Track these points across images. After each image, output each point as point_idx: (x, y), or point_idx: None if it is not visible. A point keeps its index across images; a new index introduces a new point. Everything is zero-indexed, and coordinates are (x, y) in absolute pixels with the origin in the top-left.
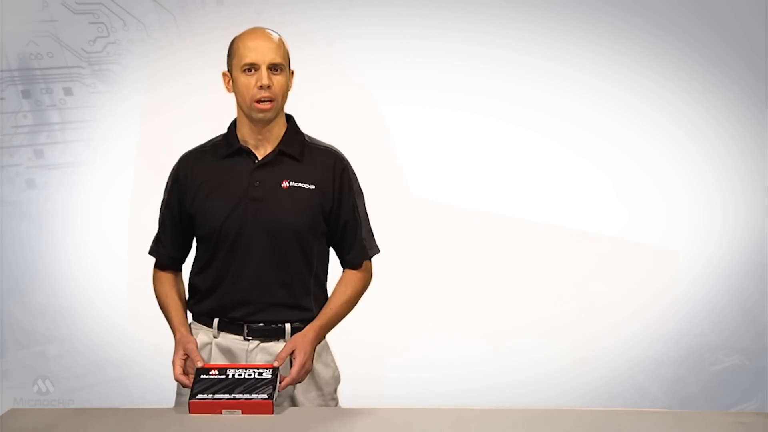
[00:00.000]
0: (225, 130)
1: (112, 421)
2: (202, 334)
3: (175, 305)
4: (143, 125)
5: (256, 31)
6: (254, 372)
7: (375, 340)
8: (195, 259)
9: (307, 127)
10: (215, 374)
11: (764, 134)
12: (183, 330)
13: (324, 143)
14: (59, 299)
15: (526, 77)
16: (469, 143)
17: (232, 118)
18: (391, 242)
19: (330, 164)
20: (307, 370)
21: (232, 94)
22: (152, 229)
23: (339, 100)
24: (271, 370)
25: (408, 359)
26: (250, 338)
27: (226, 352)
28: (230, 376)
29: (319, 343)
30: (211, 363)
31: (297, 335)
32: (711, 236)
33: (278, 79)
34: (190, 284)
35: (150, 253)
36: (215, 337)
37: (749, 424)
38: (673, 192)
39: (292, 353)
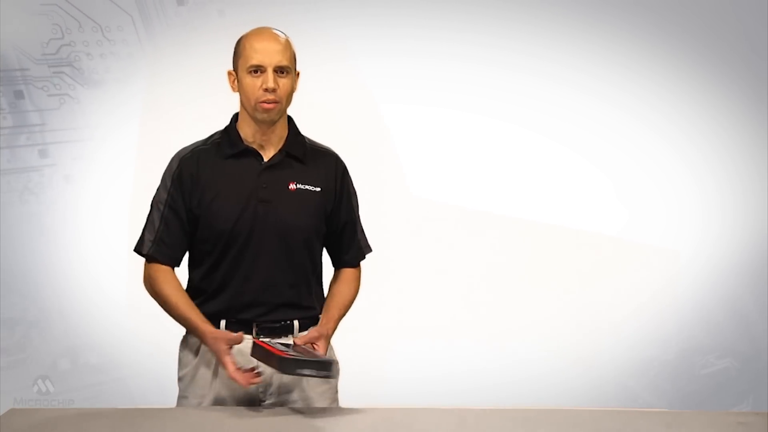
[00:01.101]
0: (212, 129)
1: (112, 421)
2: None
3: (189, 304)
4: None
5: (264, 32)
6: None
7: (375, 340)
8: (196, 260)
9: (307, 127)
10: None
11: (764, 134)
12: (209, 326)
13: (322, 144)
14: (59, 299)
15: (525, 77)
16: (469, 143)
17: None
18: (391, 242)
19: (332, 166)
20: None
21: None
22: None
23: (338, 101)
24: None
25: (408, 359)
26: (260, 336)
27: (236, 352)
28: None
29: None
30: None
31: (321, 327)
32: (711, 236)
33: (284, 82)
34: (193, 286)
35: (149, 253)
36: None
37: (749, 424)
38: (673, 192)
39: (312, 344)
